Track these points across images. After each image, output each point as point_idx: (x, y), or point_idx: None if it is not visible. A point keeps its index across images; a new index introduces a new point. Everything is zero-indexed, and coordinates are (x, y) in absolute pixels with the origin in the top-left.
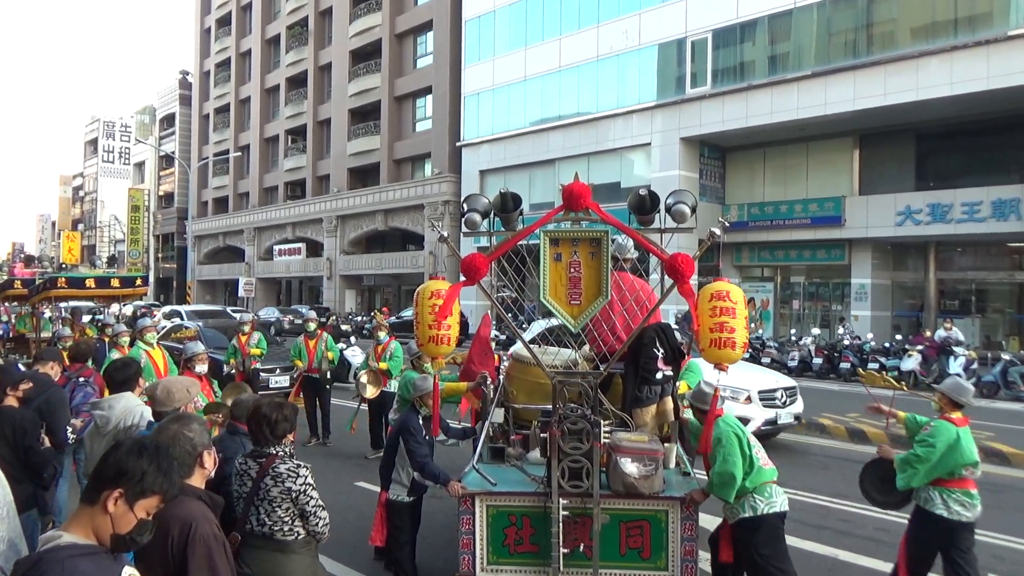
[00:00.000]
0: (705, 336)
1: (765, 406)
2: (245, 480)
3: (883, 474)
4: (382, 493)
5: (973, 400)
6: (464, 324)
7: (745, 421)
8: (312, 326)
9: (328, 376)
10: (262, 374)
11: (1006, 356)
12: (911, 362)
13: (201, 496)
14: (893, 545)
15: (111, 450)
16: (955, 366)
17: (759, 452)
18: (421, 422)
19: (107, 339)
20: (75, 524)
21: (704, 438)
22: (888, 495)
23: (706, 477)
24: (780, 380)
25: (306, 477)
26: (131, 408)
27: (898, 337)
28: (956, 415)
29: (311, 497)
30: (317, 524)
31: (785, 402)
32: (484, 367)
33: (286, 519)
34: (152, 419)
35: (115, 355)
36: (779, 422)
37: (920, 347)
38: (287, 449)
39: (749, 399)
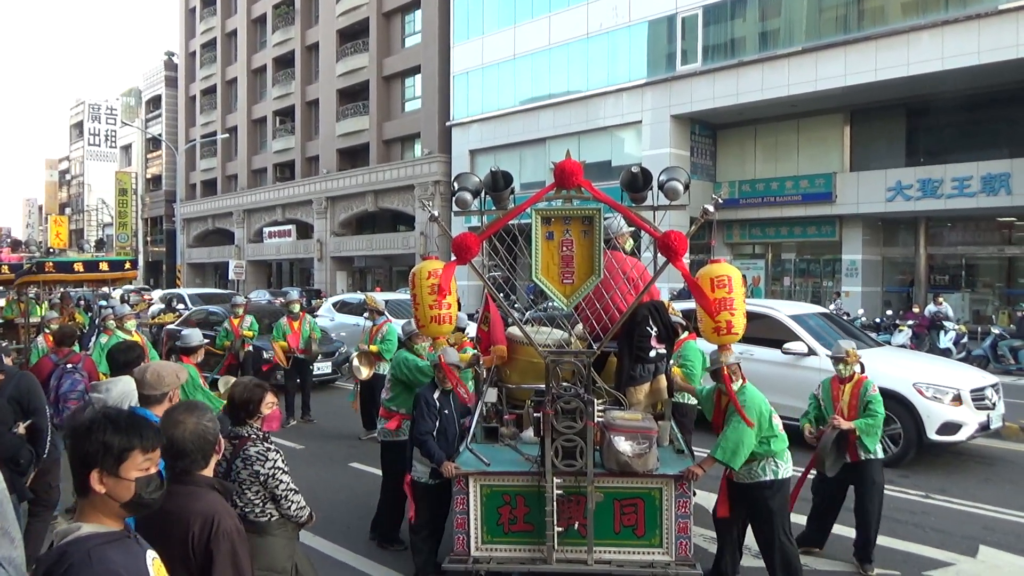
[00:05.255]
0: (707, 323)
1: (977, 407)
2: (220, 461)
3: (839, 444)
4: (407, 474)
5: None
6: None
7: (956, 428)
8: (296, 307)
9: (316, 357)
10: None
11: (996, 330)
12: (901, 337)
13: (214, 485)
14: (905, 523)
15: (68, 445)
16: (945, 341)
17: (776, 419)
18: (436, 397)
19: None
20: (85, 516)
21: (730, 412)
22: (839, 462)
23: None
24: (985, 376)
25: (275, 461)
26: (128, 392)
27: (888, 312)
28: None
29: (280, 481)
30: (290, 508)
31: (995, 403)
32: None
33: (256, 501)
34: (138, 404)
35: (104, 339)
36: (991, 426)
37: (910, 322)
38: (258, 430)
39: (959, 399)
